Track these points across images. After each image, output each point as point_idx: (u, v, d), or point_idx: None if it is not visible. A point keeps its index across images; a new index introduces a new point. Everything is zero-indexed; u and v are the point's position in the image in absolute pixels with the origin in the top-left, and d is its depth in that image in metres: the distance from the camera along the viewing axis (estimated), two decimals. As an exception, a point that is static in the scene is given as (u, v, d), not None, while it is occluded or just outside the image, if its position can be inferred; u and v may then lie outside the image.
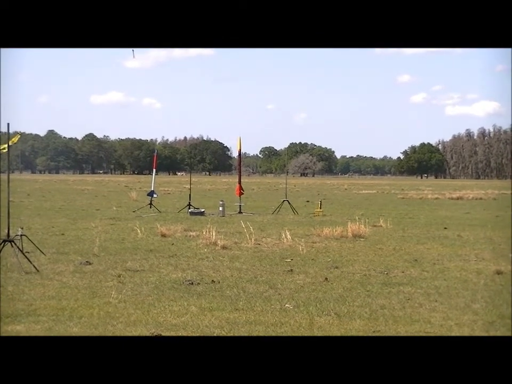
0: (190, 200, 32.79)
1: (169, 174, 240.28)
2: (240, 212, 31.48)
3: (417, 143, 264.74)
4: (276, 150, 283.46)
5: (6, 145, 14.54)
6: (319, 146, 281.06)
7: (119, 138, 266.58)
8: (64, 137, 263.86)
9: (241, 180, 34.60)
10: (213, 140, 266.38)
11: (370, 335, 8.70)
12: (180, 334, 8.64)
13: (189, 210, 30.78)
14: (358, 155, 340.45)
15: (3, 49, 6.97)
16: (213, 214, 29.88)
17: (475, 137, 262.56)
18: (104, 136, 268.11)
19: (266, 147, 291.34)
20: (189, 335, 8.62)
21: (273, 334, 8.71)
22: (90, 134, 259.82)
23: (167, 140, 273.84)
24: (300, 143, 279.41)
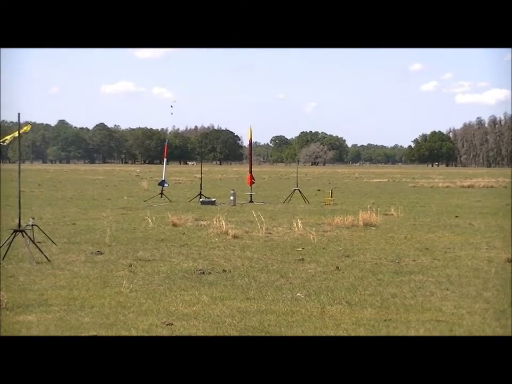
0: (201, 189, 32.83)
1: (180, 164, 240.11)
2: (251, 201, 31.50)
3: (428, 132, 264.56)
4: (287, 139, 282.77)
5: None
6: (330, 135, 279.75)
7: (129, 127, 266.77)
8: (75, 127, 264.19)
9: (252, 169, 34.60)
10: (224, 129, 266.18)
11: (378, 326, 8.70)
12: (191, 323, 8.64)
13: (200, 199, 30.80)
14: (369, 144, 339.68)
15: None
16: (223, 203, 29.91)
17: (486, 125, 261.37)
18: (115, 125, 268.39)
19: (277, 136, 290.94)
20: (200, 324, 8.63)
21: (285, 323, 8.72)
22: (101, 123, 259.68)
23: (178, 129, 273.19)
24: (311, 132, 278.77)
